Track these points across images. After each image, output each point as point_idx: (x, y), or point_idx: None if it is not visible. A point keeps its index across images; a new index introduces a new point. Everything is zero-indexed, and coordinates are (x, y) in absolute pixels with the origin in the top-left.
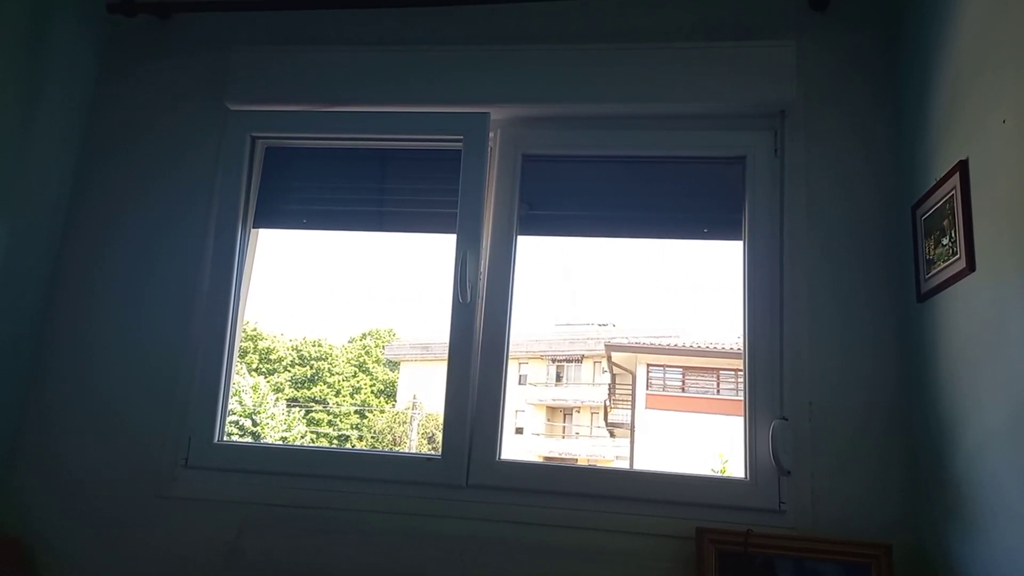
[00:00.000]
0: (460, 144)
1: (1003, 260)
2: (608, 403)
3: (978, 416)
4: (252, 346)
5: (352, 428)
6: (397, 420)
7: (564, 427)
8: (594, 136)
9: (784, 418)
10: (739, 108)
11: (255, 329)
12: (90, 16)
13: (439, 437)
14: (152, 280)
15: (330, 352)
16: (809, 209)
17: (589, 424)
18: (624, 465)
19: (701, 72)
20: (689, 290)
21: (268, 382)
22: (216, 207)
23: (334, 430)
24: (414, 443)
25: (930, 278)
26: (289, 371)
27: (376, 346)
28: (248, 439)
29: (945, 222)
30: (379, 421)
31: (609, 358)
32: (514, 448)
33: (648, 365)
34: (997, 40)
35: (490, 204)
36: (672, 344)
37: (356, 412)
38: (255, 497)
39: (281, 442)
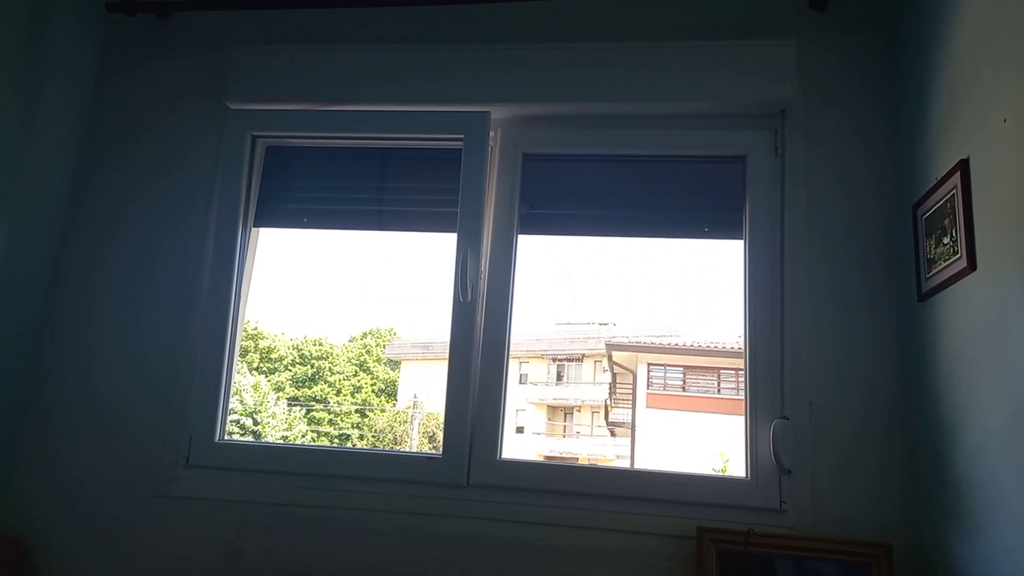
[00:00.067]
0: (461, 143)
1: (1004, 260)
2: (609, 402)
3: (978, 416)
4: (253, 345)
5: (353, 427)
6: (398, 419)
7: (565, 426)
8: (595, 135)
9: (785, 417)
10: (739, 107)
11: (256, 328)
12: (90, 16)
13: (440, 436)
14: (152, 280)
15: (331, 351)
16: (809, 209)
17: (590, 423)
18: (625, 464)
19: (701, 71)
20: (690, 289)
21: (269, 381)
22: (216, 206)
23: (335, 429)
24: (415, 442)
25: (931, 277)
26: (290, 370)
27: (377, 345)
28: (249, 438)
29: (946, 221)
30: (380, 420)
31: (610, 357)
32: (515, 447)
33: (649, 364)
34: (997, 39)
35: (491, 203)
36: (673, 343)
37: (357, 411)
38: (256, 496)
39: (282, 441)
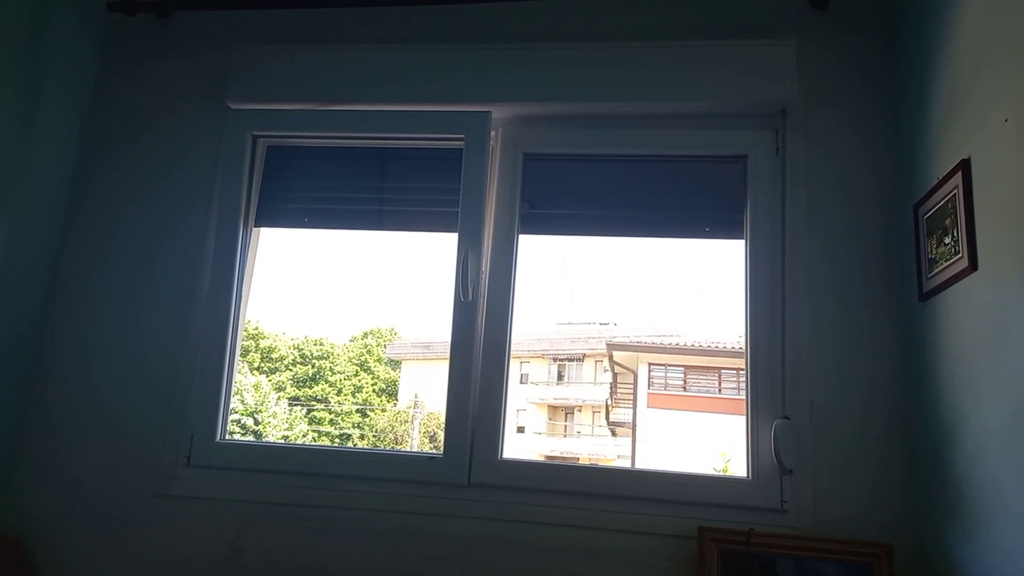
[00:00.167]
0: (461, 143)
1: (1004, 260)
2: (610, 402)
3: (979, 416)
4: (254, 345)
5: (354, 427)
6: (399, 419)
7: (566, 426)
8: (595, 135)
9: (786, 417)
10: (740, 107)
11: (257, 328)
12: (90, 16)
13: (440, 436)
14: (152, 280)
15: (332, 351)
16: (810, 209)
17: (591, 423)
18: (626, 464)
19: (702, 71)
20: (690, 289)
21: (270, 381)
22: (217, 206)
23: (336, 429)
24: (415, 442)
25: (932, 277)
26: (291, 370)
27: (378, 345)
28: (250, 438)
29: (947, 221)
30: (381, 420)
31: (611, 357)
32: (516, 447)
33: (650, 364)
34: (997, 39)
35: (491, 203)
36: (674, 343)
37: (358, 411)
38: (256, 496)
39: (283, 441)
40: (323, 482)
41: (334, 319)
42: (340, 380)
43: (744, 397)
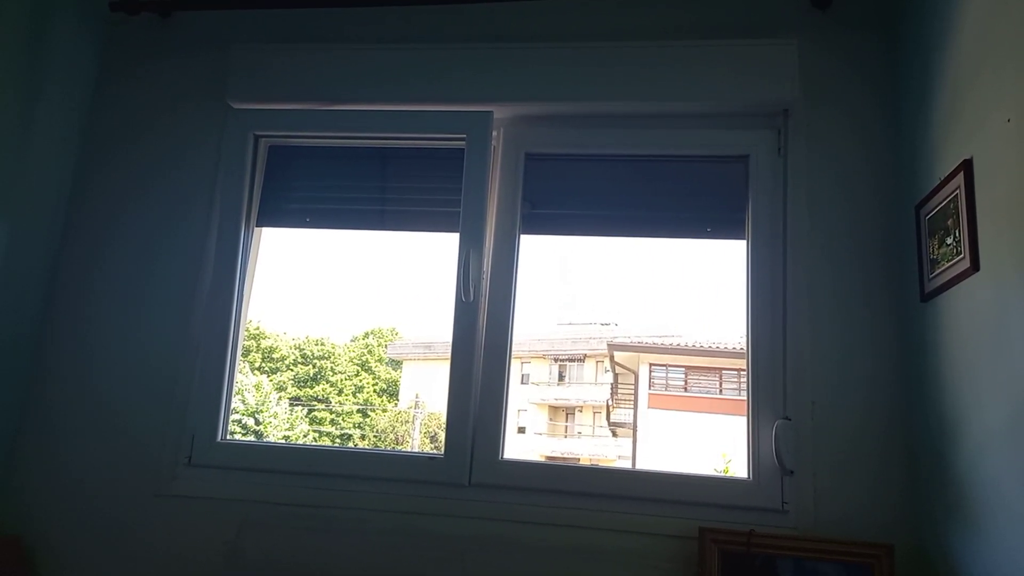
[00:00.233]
0: (463, 143)
1: (1006, 260)
2: (610, 402)
3: (979, 416)
4: (255, 345)
5: (354, 427)
6: (399, 419)
7: (566, 426)
8: (597, 135)
9: (787, 418)
10: (741, 107)
11: (258, 328)
12: (90, 16)
13: (441, 436)
14: (153, 280)
15: (333, 351)
16: (811, 209)
17: (591, 423)
18: (627, 465)
19: (703, 71)
20: (692, 290)
21: (271, 381)
22: (218, 206)
23: (336, 429)
24: (416, 442)
25: (934, 278)
26: (292, 370)
27: (379, 345)
28: (251, 438)
29: (949, 221)
30: (381, 420)
31: (611, 357)
32: (516, 447)
33: (651, 364)
34: (998, 39)
35: (493, 203)
36: (675, 344)
37: (359, 411)
38: (257, 496)
39: (284, 441)
40: (324, 482)
41: (335, 319)
42: (341, 380)
43: (745, 398)
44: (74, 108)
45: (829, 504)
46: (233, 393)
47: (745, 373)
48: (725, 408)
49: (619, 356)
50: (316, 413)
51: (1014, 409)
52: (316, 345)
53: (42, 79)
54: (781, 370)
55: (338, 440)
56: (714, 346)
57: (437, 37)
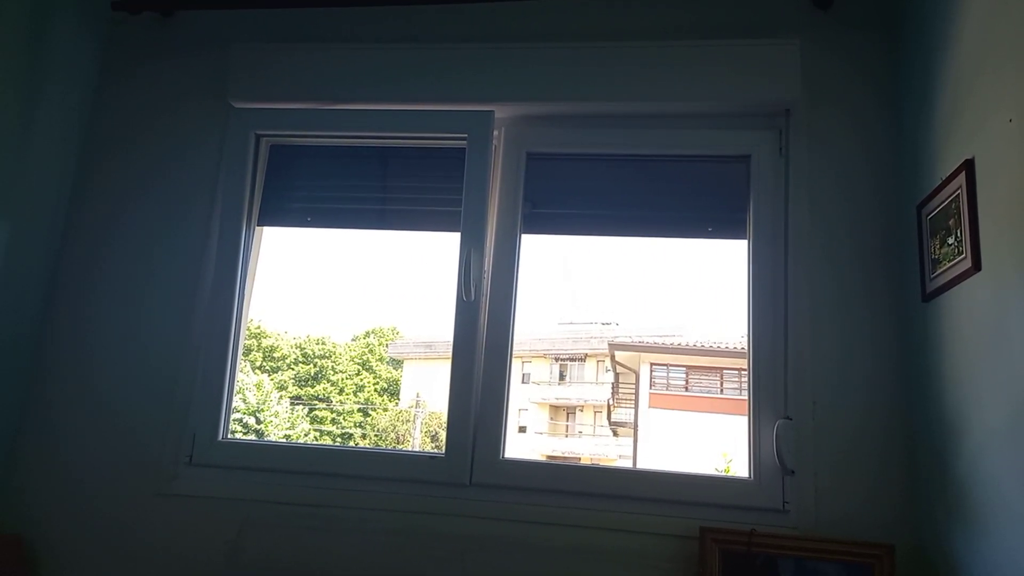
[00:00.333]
0: (464, 142)
1: (1007, 260)
2: (611, 402)
3: (980, 416)
4: (256, 344)
5: (355, 426)
6: (400, 418)
7: (567, 426)
8: (598, 135)
9: (788, 418)
10: (743, 107)
11: (259, 327)
12: (91, 15)
13: (442, 436)
14: (154, 279)
15: (334, 350)
16: (813, 209)
17: (592, 423)
18: (627, 464)
19: (705, 71)
20: (693, 289)
21: (272, 380)
22: (219, 205)
23: (337, 428)
24: (417, 441)
25: (935, 277)
26: (293, 369)
27: (380, 344)
28: (252, 437)
29: (951, 221)
30: (382, 419)
31: (612, 357)
32: (517, 447)
33: (651, 364)
34: (999, 39)
35: (494, 202)
36: (676, 343)
37: (359, 410)
38: (258, 495)
39: (284, 440)
40: (324, 481)
41: (336, 318)
42: (342, 379)
43: (746, 397)
44: (74, 108)
45: (830, 504)
46: (234, 392)
47: (746, 373)
48: (726, 408)
49: (620, 355)
50: (317, 412)
51: (1015, 409)
52: (317, 344)
53: (42, 79)
54: (782, 370)
55: (339, 439)
56: (715, 346)
57: (438, 37)
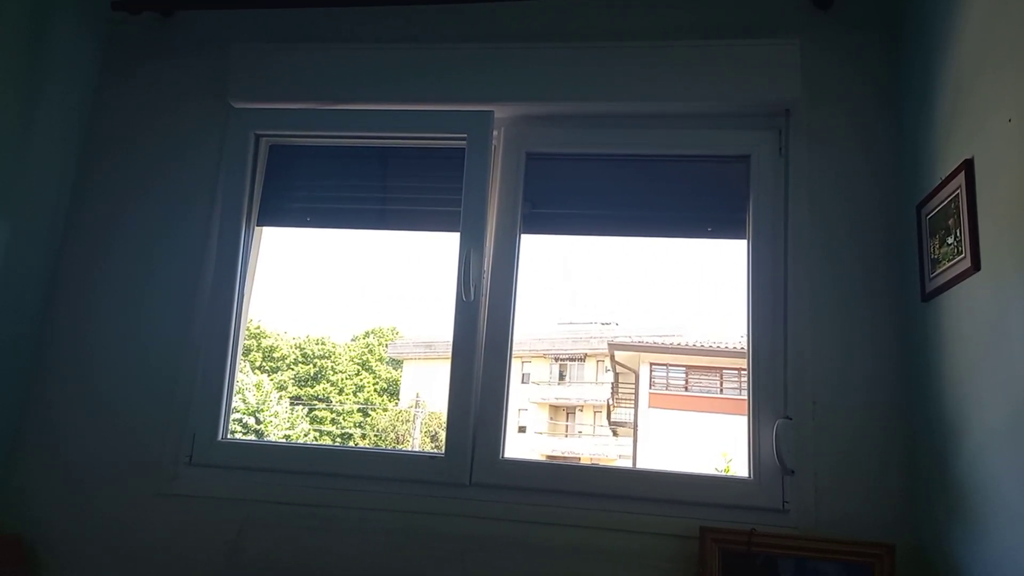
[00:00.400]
0: (464, 142)
1: (1006, 260)
2: (611, 402)
3: (980, 416)
4: (255, 344)
5: (355, 426)
6: (400, 418)
7: (567, 426)
8: (598, 134)
9: (788, 417)
10: (743, 107)
11: (258, 327)
12: (91, 15)
13: (442, 436)
14: (154, 279)
15: (333, 350)
16: (812, 209)
17: (592, 423)
18: (627, 464)
19: (705, 71)
20: (693, 289)
21: (271, 380)
22: (219, 205)
23: (337, 428)
24: (417, 441)
25: (935, 277)
26: (292, 369)
27: (379, 344)
28: (251, 437)
29: (950, 221)
30: (382, 419)
31: (612, 357)
32: (517, 447)
33: (651, 364)
34: (999, 39)
35: (494, 202)
36: (675, 343)
37: (359, 410)
38: (257, 495)
39: (284, 440)
40: (324, 481)
41: (336, 318)
42: (342, 379)
43: (746, 397)
44: (74, 108)
45: (830, 504)
46: (234, 392)
47: (746, 372)
48: (726, 407)
49: (620, 355)
50: (317, 412)
51: (1014, 409)
52: (317, 344)
53: (42, 79)
54: (782, 369)
55: (339, 439)
56: (715, 345)
57: (437, 37)
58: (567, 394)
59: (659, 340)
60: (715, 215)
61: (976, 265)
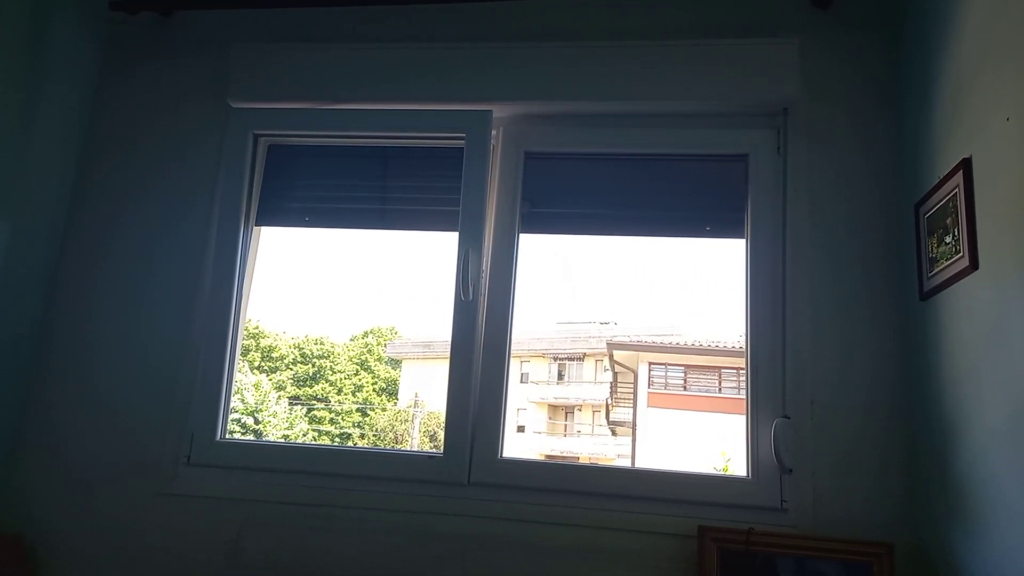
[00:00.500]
0: (462, 142)
1: (1005, 259)
2: (610, 401)
3: (980, 415)
4: (254, 344)
5: (354, 426)
6: (399, 418)
7: (566, 425)
8: (597, 134)
9: (786, 416)
10: (742, 106)
11: (257, 327)
12: (90, 15)
13: (441, 435)
14: (153, 279)
15: (332, 350)
16: (811, 208)
17: (591, 422)
18: (626, 463)
19: (704, 70)
20: (691, 288)
21: (270, 380)
22: (218, 205)
23: (336, 428)
24: (416, 441)
25: (933, 276)
26: (291, 369)
27: (378, 344)
28: (250, 437)
29: (948, 220)
30: (381, 419)
31: (611, 356)
32: (516, 446)
33: (650, 363)
34: (999, 39)
35: (492, 202)
36: (674, 342)
37: (358, 410)
38: (257, 495)
39: (283, 440)
40: (323, 481)
41: (334, 318)
42: (340, 379)
43: (744, 396)
44: (74, 108)
45: (829, 503)
46: (232, 392)
47: (744, 372)
48: (724, 407)
49: (618, 355)
50: (315, 412)
51: (1014, 408)
52: (315, 344)
53: (42, 79)
54: (780, 369)
55: (337, 439)
56: (713, 345)
57: (437, 36)
58: (566, 393)
59: (658, 339)
60: (714, 214)
61: (974, 264)
